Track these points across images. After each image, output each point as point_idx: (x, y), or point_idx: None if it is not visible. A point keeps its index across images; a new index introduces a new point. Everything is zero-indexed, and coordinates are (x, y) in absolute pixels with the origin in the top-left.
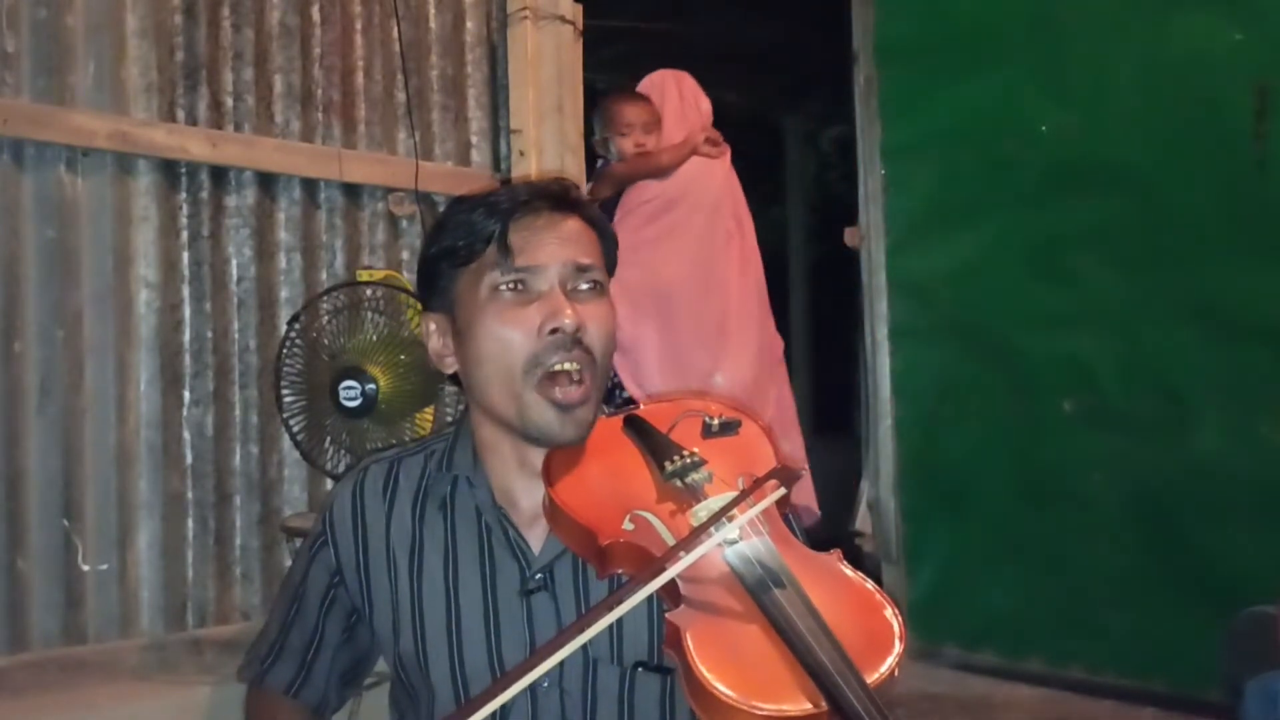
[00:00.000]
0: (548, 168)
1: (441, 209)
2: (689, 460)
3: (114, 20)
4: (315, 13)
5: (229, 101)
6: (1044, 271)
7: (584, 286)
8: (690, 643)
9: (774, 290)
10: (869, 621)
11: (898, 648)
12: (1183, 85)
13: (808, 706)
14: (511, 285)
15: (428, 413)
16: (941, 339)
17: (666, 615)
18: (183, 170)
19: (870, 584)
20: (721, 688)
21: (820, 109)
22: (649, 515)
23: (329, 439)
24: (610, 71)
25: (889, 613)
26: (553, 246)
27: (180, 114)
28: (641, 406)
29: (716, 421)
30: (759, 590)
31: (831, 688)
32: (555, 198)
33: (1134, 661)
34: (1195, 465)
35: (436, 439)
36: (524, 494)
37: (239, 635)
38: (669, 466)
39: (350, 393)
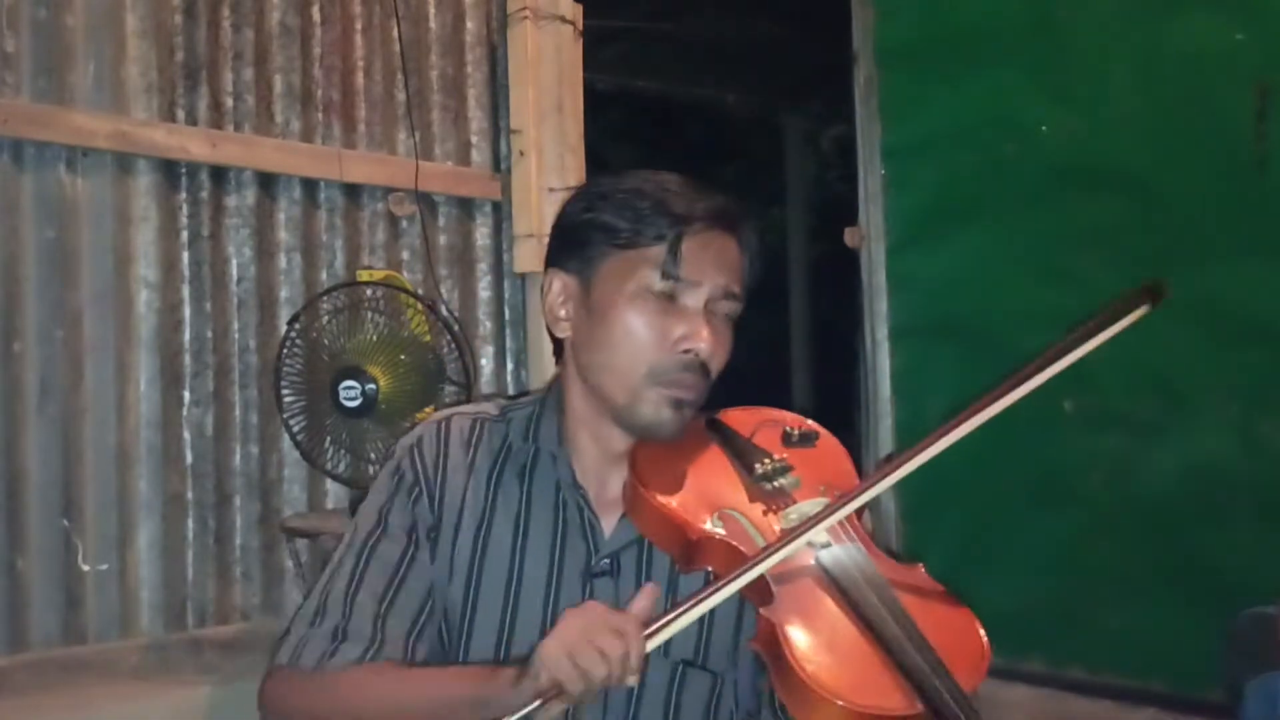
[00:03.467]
0: (548, 168)
1: (439, 208)
2: (778, 465)
3: (114, 20)
4: (315, 13)
5: (229, 101)
6: (1044, 271)
7: (725, 311)
8: (788, 638)
9: (774, 290)
10: (958, 630)
11: (988, 657)
12: (1183, 85)
13: (906, 705)
14: (665, 291)
15: (428, 413)
16: (941, 339)
17: (760, 612)
18: (183, 170)
19: (955, 596)
20: (821, 681)
21: (820, 109)
22: (738, 515)
23: (329, 439)
24: (610, 71)
25: (977, 623)
26: (713, 266)
27: (180, 114)
28: (723, 412)
29: (797, 432)
30: (852, 591)
31: (927, 689)
32: (732, 218)
33: (1134, 661)
34: (1195, 465)
35: (514, 405)
36: (606, 478)
37: (239, 635)
38: (759, 469)
39: (350, 393)
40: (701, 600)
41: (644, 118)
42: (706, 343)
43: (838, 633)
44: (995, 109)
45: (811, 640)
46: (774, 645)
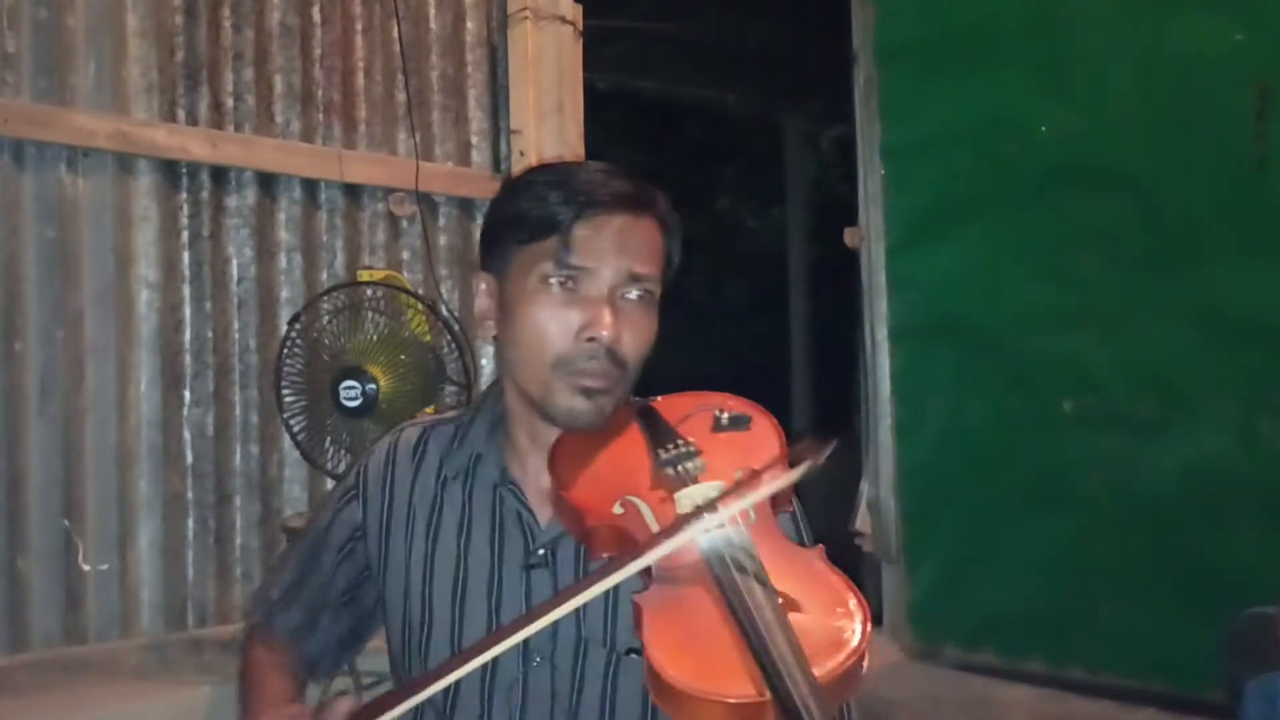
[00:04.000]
0: None
1: (439, 208)
2: (683, 449)
3: (114, 20)
4: (315, 13)
5: (229, 101)
6: (1044, 271)
7: (633, 295)
8: (646, 623)
9: (774, 290)
10: (831, 618)
11: (857, 646)
12: (1183, 85)
13: (751, 694)
14: (562, 281)
15: (428, 413)
16: (941, 339)
17: (633, 596)
18: (183, 170)
19: (845, 582)
20: (668, 669)
21: (820, 109)
22: (638, 501)
23: (329, 439)
24: (610, 71)
25: (856, 611)
26: (613, 251)
27: (180, 114)
28: (660, 399)
29: (726, 416)
30: (723, 577)
31: (774, 677)
32: (631, 200)
33: (1134, 661)
34: (1195, 465)
35: (467, 410)
36: (539, 470)
37: (239, 635)
38: (663, 454)
39: (350, 393)
40: (582, 591)
41: (644, 118)
42: (609, 329)
43: (696, 617)
44: (995, 109)
45: (665, 624)
46: (639, 629)
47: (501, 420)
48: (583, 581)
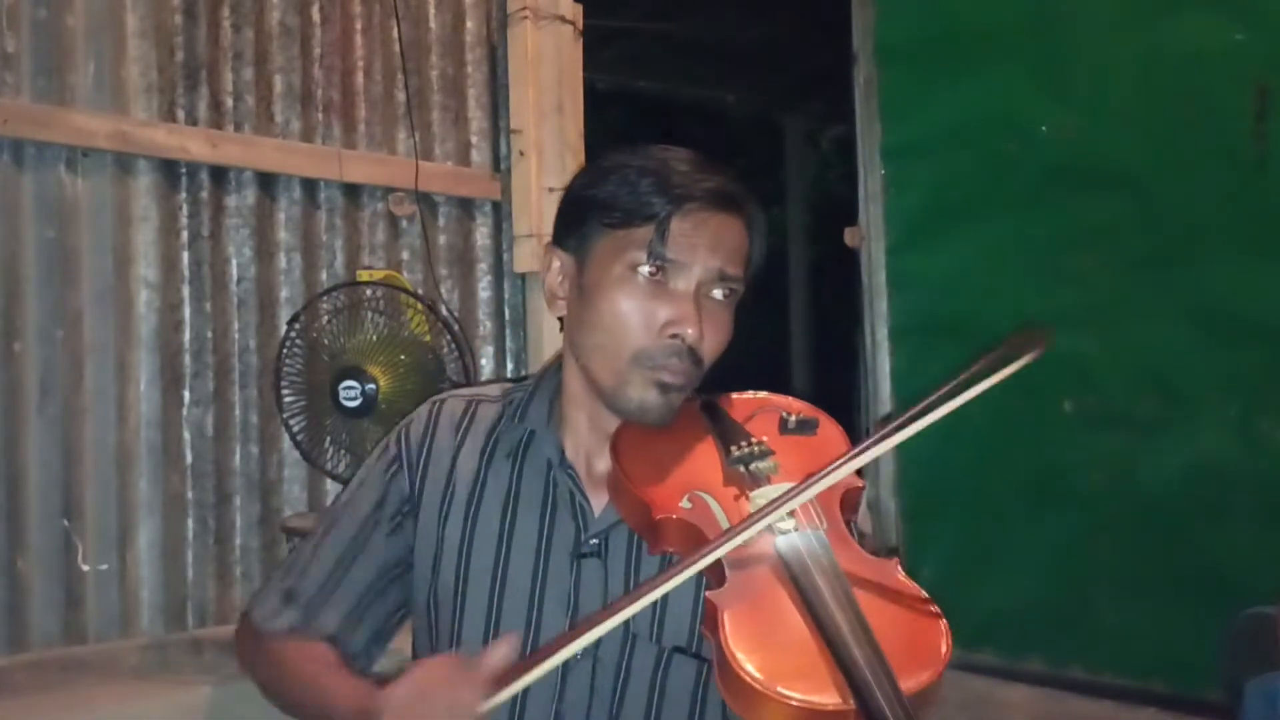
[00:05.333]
0: (548, 168)
1: (439, 208)
2: (756, 448)
3: (114, 20)
4: (315, 13)
5: (229, 101)
6: (1044, 271)
7: (718, 295)
8: (726, 622)
9: (774, 290)
10: (914, 631)
11: (940, 662)
12: (1183, 85)
13: (836, 701)
14: (651, 272)
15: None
16: (941, 339)
17: (707, 594)
18: (183, 170)
19: (924, 595)
20: (749, 669)
21: (820, 109)
22: (708, 497)
23: (329, 439)
24: (610, 71)
25: (939, 626)
26: (707, 247)
27: (180, 114)
28: (722, 396)
29: (794, 418)
30: (803, 579)
31: (861, 686)
32: (727, 198)
33: (1134, 661)
34: (1195, 465)
35: (518, 388)
36: (598, 457)
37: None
38: (735, 452)
39: (350, 393)
40: (656, 586)
41: (644, 118)
42: (694, 327)
43: (778, 619)
44: (995, 109)
45: (747, 624)
46: (714, 628)
47: (558, 400)
48: (654, 578)
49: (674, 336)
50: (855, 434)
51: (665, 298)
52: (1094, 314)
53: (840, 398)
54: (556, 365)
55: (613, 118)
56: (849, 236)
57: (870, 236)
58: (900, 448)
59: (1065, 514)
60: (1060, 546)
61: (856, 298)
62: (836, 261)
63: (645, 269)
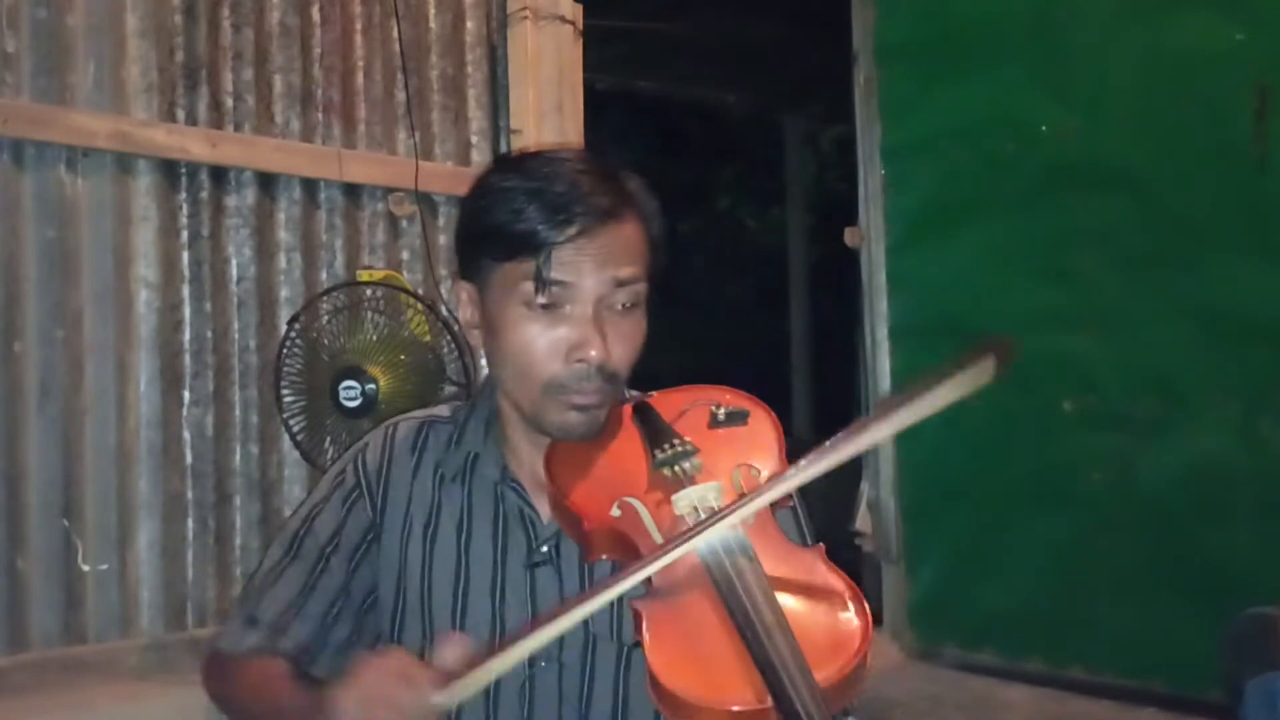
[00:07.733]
0: None
1: (439, 208)
2: (680, 448)
3: (114, 20)
4: (315, 13)
5: (229, 101)
6: (1044, 271)
7: (621, 302)
8: (646, 631)
9: (774, 290)
10: (832, 621)
11: (859, 648)
12: (1183, 85)
13: (752, 702)
14: (545, 302)
15: None
16: (941, 339)
17: (631, 601)
18: (183, 170)
19: (846, 582)
20: (669, 677)
21: (820, 109)
22: (636, 503)
23: (329, 439)
24: (610, 71)
25: (856, 611)
26: (593, 263)
27: (180, 114)
28: (656, 395)
29: (723, 411)
30: (721, 580)
31: (775, 684)
32: (611, 211)
33: (1134, 661)
34: (1195, 465)
35: (463, 407)
36: (537, 468)
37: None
38: (659, 455)
39: (350, 393)
40: (585, 601)
41: (644, 118)
42: (598, 349)
43: (697, 623)
44: (995, 109)
45: (668, 631)
46: (639, 635)
47: (496, 418)
48: (586, 593)
49: (580, 361)
50: None
51: (564, 323)
52: (1094, 314)
53: (840, 397)
54: (492, 386)
55: (613, 118)
56: (849, 236)
57: (870, 236)
58: (901, 448)
59: (1065, 514)
60: (1060, 546)
61: (856, 298)
62: (836, 261)
63: (540, 300)
